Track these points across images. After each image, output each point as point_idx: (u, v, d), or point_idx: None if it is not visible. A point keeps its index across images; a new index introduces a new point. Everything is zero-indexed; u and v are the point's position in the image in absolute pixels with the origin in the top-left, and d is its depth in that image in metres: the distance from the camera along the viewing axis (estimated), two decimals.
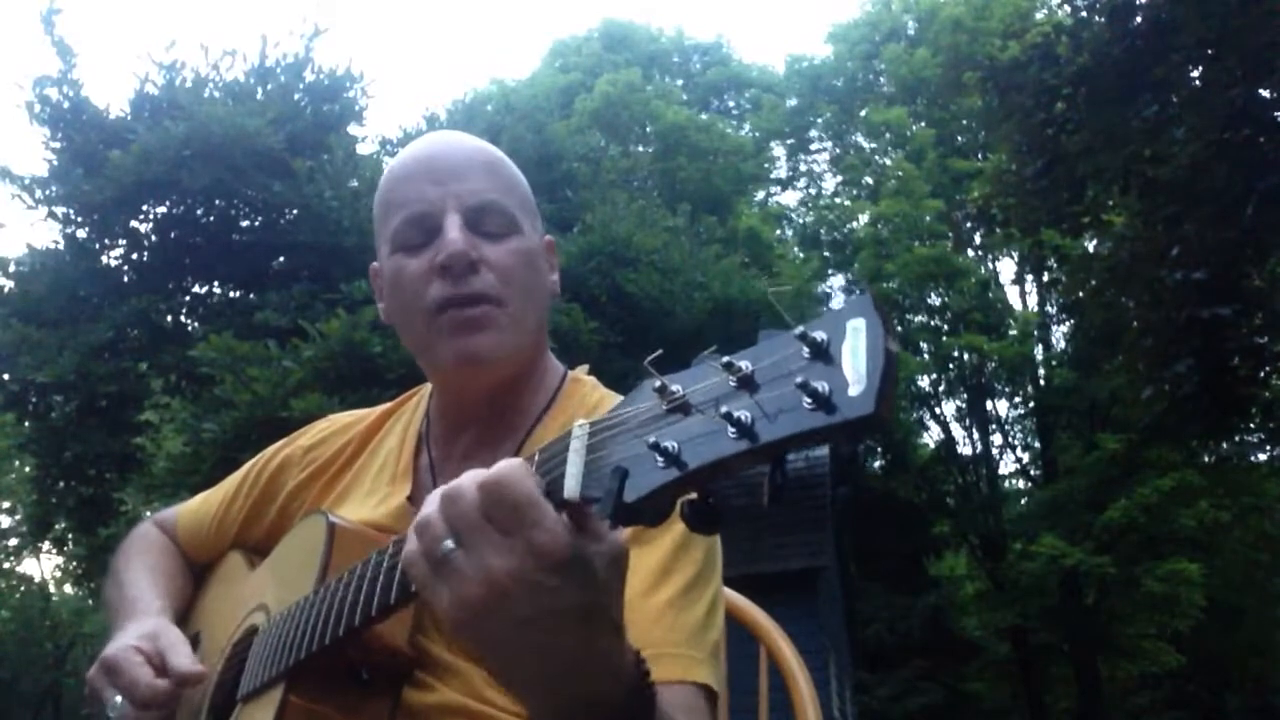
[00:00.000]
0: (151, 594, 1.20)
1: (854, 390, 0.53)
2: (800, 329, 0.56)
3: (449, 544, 0.67)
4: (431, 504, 0.69)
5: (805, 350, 0.55)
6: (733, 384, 0.58)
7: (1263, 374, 9.35)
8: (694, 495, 0.60)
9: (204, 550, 1.32)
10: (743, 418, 0.56)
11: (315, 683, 0.93)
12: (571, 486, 0.64)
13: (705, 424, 0.58)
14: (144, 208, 9.57)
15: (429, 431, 1.18)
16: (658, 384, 0.62)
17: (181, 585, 1.27)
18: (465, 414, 1.13)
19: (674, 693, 0.91)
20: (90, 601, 17.45)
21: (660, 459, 0.59)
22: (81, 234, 9.73)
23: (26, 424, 9.93)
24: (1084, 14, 9.55)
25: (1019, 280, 20.52)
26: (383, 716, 0.93)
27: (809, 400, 0.54)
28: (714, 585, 1.03)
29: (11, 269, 9.66)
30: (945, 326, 18.97)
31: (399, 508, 1.09)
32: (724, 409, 0.56)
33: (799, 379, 0.54)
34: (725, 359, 0.58)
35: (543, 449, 0.70)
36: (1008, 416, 21.04)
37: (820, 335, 0.55)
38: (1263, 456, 14.78)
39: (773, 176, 24.84)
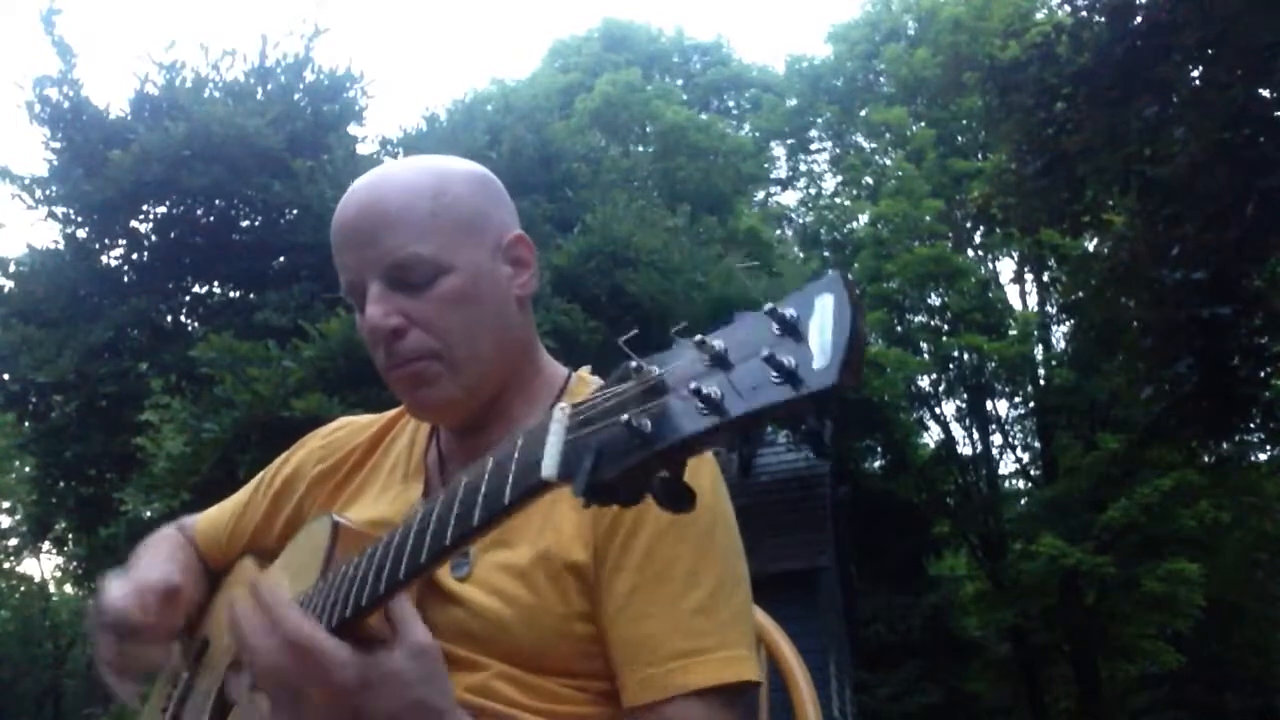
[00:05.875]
0: (162, 560, 1.24)
1: (818, 363, 0.54)
2: (770, 306, 0.58)
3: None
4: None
5: (775, 327, 0.57)
6: (706, 362, 0.59)
7: (1263, 374, 9.34)
8: (665, 473, 0.62)
9: (220, 559, 1.32)
10: (713, 394, 0.57)
11: None
12: (549, 467, 0.65)
13: (678, 402, 0.59)
14: (144, 208, 9.56)
15: (439, 431, 1.19)
16: (634, 365, 0.63)
17: (196, 577, 1.28)
18: (462, 428, 1.14)
19: (680, 708, 0.94)
20: (90, 602, 17.43)
21: (634, 438, 0.60)
22: (81, 234, 9.72)
23: (26, 424, 9.93)
24: (1084, 14, 9.53)
25: (1019, 280, 20.51)
26: None
27: (775, 374, 0.55)
28: (744, 575, 1.05)
29: (11, 269, 9.66)
30: (945, 326, 18.95)
31: (413, 505, 1.09)
32: (695, 386, 0.58)
33: (766, 354, 0.55)
34: (699, 338, 0.60)
35: (525, 431, 0.72)
36: (1008, 416, 21.02)
37: (790, 312, 0.57)
38: (1263, 456, 14.74)
39: (773, 176, 24.82)
